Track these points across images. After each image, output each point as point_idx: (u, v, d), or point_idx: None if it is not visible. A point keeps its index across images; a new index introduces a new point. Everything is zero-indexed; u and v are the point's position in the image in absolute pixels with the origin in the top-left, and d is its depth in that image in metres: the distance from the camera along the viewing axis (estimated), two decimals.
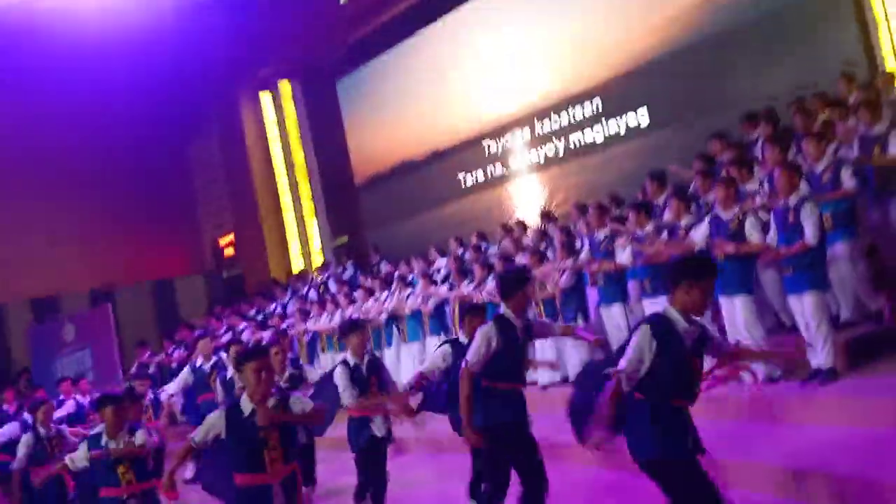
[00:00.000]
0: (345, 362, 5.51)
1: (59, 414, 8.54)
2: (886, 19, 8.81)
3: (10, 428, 7.48)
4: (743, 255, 5.95)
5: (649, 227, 6.73)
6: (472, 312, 5.39)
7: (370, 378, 5.50)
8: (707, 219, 6.34)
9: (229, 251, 19.22)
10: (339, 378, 5.42)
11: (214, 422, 4.05)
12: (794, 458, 4.78)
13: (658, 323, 3.57)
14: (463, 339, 5.31)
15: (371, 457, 5.51)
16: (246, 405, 4.01)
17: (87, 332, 14.36)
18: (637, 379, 3.52)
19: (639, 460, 3.61)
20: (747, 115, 8.20)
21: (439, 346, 5.61)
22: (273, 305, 13.30)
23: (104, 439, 4.90)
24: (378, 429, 5.48)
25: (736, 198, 6.25)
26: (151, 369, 12.77)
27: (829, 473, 4.46)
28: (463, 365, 4.45)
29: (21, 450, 6.63)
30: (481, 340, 4.43)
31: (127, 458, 4.86)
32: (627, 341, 3.63)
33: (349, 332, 5.61)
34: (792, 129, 7.58)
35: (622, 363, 3.53)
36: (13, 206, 16.62)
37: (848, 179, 6.09)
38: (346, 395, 5.38)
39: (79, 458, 4.99)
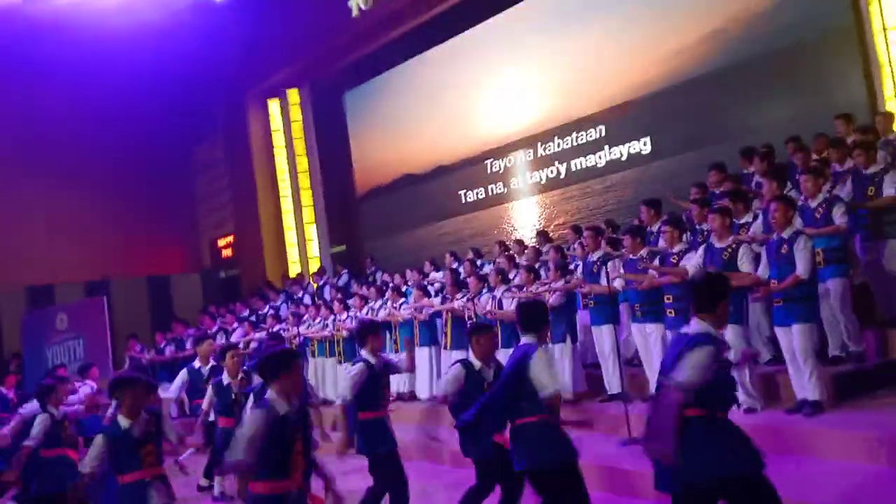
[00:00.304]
0: (366, 361, 5.46)
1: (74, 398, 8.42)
2: (890, 63, 8.89)
3: (33, 405, 7.33)
4: (735, 287, 5.94)
5: (643, 253, 6.74)
6: (480, 331, 5.24)
7: (384, 377, 5.55)
8: (701, 248, 6.35)
9: (227, 252, 19.18)
10: (355, 373, 5.38)
11: (258, 423, 3.78)
12: (790, 489, 4.72)
13: (716, 342, 3.52)
14: (473, 359, 5.13)
15: (391, 460, 5.42)
16: (281, 406, 3.84)
17: (80, 322, 14.28)
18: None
19: (710, 478, 3.40)
20: (744, 150, 8.25)
21: (452, 365, 5.37)
22: (266, 307, 13.25)
23: (123, 423, 4.70)
24: None
25: (731, 228, 6.28)
26: (144, 362, 12.71)
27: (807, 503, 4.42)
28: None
29: (36, 428, 6.60)
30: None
31: (151, 439, 4.74)
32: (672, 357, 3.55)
33: (369, 332, 5.61)
34: (787, 165, 7.62)
35: (683, 377, 3.39)
36: (15, 195, 16.60)
37: (840, 217, 6.10)
38: (350, 391, 5.35)
39: (91, 458, 4.67)
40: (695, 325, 3.61)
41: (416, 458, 7.56)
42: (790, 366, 5.78)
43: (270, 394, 3.90)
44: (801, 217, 6.15)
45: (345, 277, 13.55)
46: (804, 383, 5.66)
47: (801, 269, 5.61)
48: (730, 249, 6.10)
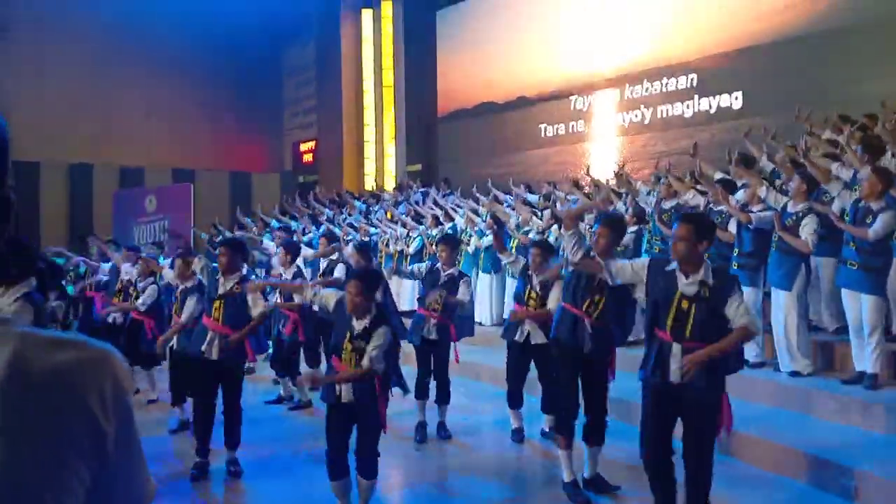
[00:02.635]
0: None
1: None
2: None
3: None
4: (792, 251, 5.89)
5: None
6: (540, 246, 5.70)
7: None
8: (779, 207, 6.23)
9: (308, 157, 19.58)
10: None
11: None
12: (816, 446, 4.85)
13: None
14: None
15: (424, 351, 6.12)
16: None
17: (167, 205, 14.90)
18: None
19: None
20: (842, 116, 7.93)
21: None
22: (343, 215, 13.49)
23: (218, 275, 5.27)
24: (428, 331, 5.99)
25: (807, 195, 6.08)
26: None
27: (845, 466, 4.51)
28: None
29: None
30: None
31: (222, 297, 5.19)
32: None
33: (449, 242, 6.20)
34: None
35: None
36: (117, 79, 17.28)
37: None
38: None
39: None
40: None
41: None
42: (853, 335, 5.74)
43: None
44: None
45: (420, 196, 13.61)
46: (865, 356, 5.64)
47: (875, 229, 5.41)
48: (797, 216, 5.95)
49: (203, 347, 5.16)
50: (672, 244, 3.73)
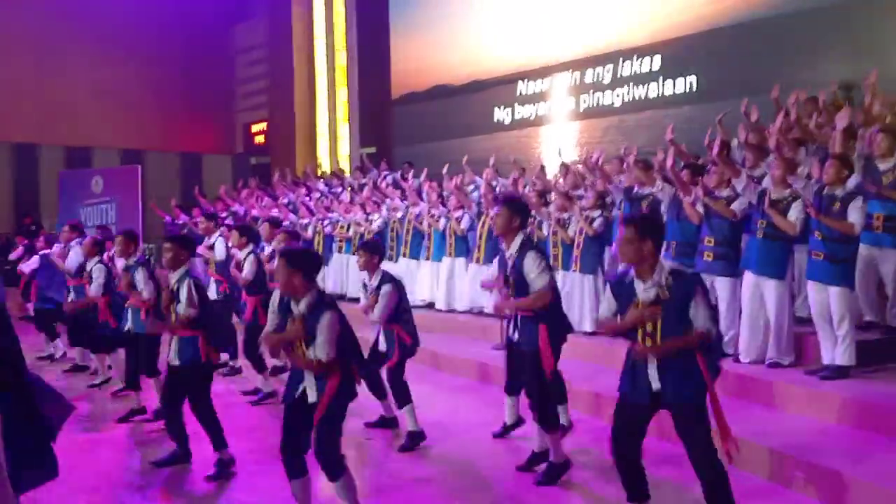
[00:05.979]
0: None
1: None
2: None
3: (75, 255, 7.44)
4: (782, 237, 5.60)
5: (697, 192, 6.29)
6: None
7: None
8: (753, 193, 5.91)
9: (260, 138, 18.80)
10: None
11: None
12: (779, 441, 4.56)
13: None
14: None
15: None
16: None
17: (114, 187, 14.09)
18: None
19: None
20: (812, 98, 7.59)
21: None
22: (305, 195, 12.79)
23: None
24: None
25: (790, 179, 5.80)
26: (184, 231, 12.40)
27: (810, 462, 4.25)
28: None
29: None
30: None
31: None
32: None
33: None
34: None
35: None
36: (63, 56, 16.30)
37: None
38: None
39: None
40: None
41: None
42: (819, 326, 5.47)
43: None
44: (871, 176, 5.70)
45: (388, 178, 12.99)
46: (833, 346, 5.38)
47: (856, 221, 5.17)
48: (784, 202, 5.65)
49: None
50: (618, 248, 3.59)
